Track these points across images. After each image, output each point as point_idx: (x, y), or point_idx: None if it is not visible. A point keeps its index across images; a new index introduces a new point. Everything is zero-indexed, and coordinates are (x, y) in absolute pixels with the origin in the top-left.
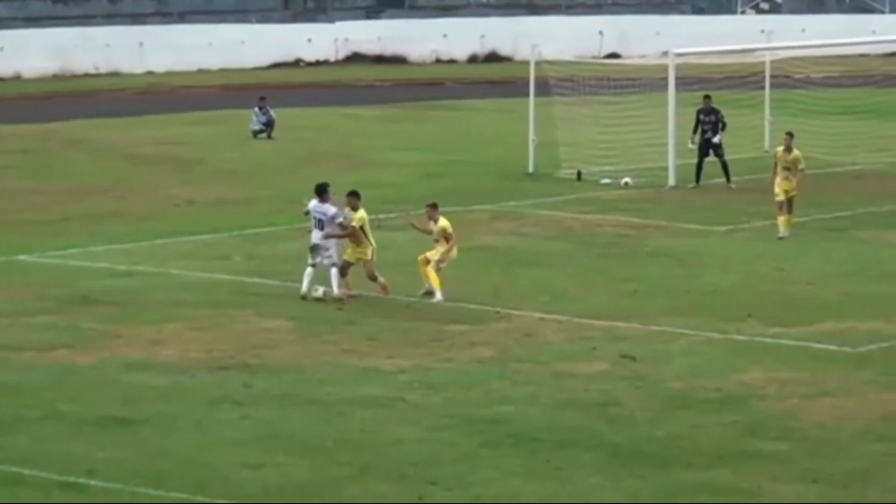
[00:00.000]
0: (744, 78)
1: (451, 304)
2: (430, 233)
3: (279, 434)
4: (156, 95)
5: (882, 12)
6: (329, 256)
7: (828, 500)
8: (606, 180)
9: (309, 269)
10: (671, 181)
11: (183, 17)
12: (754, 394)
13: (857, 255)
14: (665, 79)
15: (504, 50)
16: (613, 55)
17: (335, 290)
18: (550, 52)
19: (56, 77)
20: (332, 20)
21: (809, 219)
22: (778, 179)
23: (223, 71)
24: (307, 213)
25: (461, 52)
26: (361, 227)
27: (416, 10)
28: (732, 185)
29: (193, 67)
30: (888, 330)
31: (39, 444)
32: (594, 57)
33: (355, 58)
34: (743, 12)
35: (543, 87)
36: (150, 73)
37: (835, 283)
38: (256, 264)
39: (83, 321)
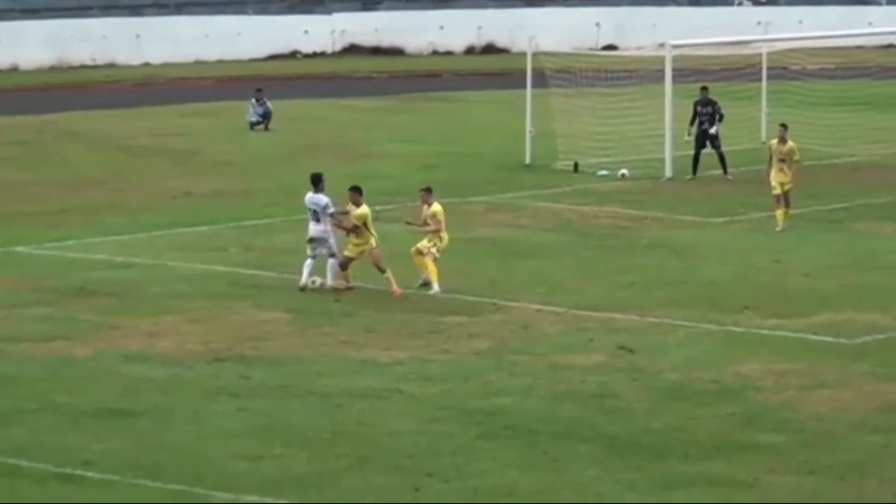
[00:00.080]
0: (740, 70)
1: (448, 296)
2: (426, 224)
3: (276, 426)
4: (153, 87)
5: (879, 4)
6: (329, 247)
7: (824, 491)
8: (603, 172)
9: (309, 261)
10: (668, 173)
11: (179, 8)
12: (751, 385)
13: (854, 246)
14: (662, 70)
15: (501, 41)
16: (610, 47)
17: (329, 281)
18: (547, 44)
19: (53, 69)
20: (328, 12)
21: (806, 210)
22: (773, 172)
23: (220, 62)
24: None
25: (458, 43)
26: (364, 223)
27: (413, 2)
28: (729, 177)
29: (190, 59)
30: (885, 321)
31: (36, 435)
32: (591, 48)
33: (352, 49)
34: (740, 4)
35: (540, 79)
36: (146, 64)
37: (832, 275)
38: (254, 256)
39: (80, 313)
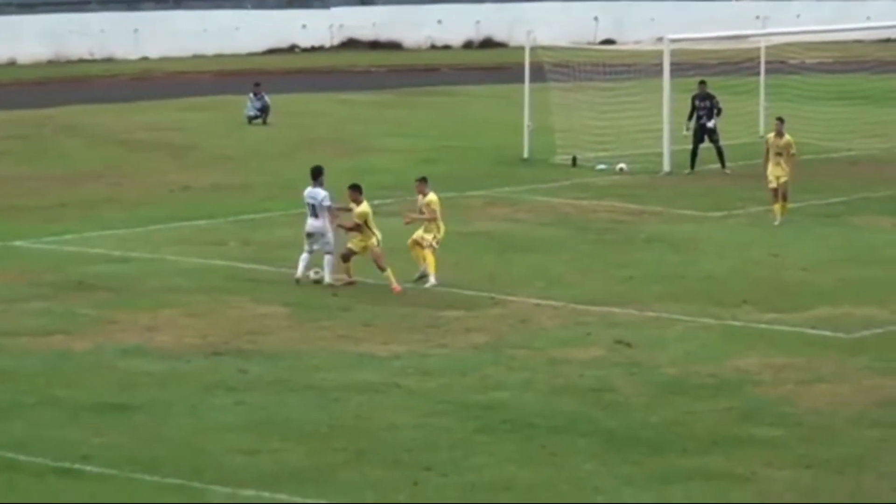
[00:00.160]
0: (739, 64)
1: (446, 290)
2: (421, 213)
3: (274, 420)
4: (151, 81)
5: None
6: (326, 243)
7: (822, 485)
8: (602, 166)
9: (305, 255)
10: (666, 167)
11: (178, 2)
12: (749, 380)
13: (852, 240)
14: (660, 65)
15: (499, 36)
16: (608, 41)
17: (326, 277)
18: (546, 38)
19: (51, 63)
20: (326, 6)
21: (804, 204)
22: (770, 165)
23: (218, 57)
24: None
25: (456, 37)
26: (365, 222)
27: None
28: (727, 171)
29: (188, 53)
30: (883, 316)
31: (35, 429)
32: (589, 43)
33: (350, 44)
34: None
35: (539, 73)
36: (144, 58)
37: (830, 269)
38: (252, 250)
39: (78, 307)
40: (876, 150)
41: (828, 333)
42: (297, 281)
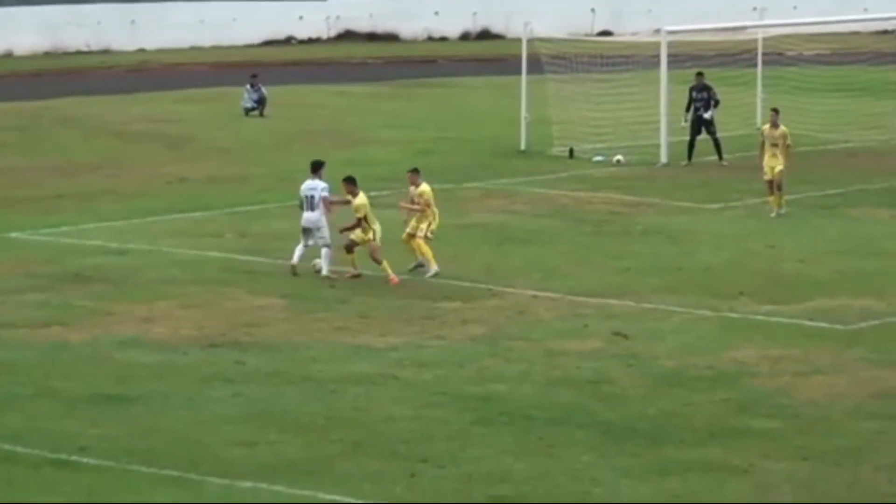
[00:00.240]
0: (736, 55)
1: (443, 282)
2: (415, 204)
3: (271, 411)
4: (147, 73)
5: None
6: (322, 237)
7: (819, 477)
8: (599, 158)
9: (301, 246)
10: (663, 159)
11: None
12: (746, 371)
13: (848, 232)
14: (657, 56)
15: (496, 27)
16: (606, 33)
17: (324, 270)
18: (543, 30)
19: (48, 54)
20: None
21: (801, 196)
22: (766, 157)
23: (215, 48)
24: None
25: (453, 29)
26: (365, 215)
27: None
28: (724, 163)
29: (185, 45)
30: (880, 307)
31: (32, 421)
32: (586, 34)
33: (347, 35)
34: None
35: (536, 65)
36: (141, 50)
37: (827, 261)
38: (248, 242)
39: (75, 299)
40: (873, 142)
41: (825, 325)
42: (294, 269)
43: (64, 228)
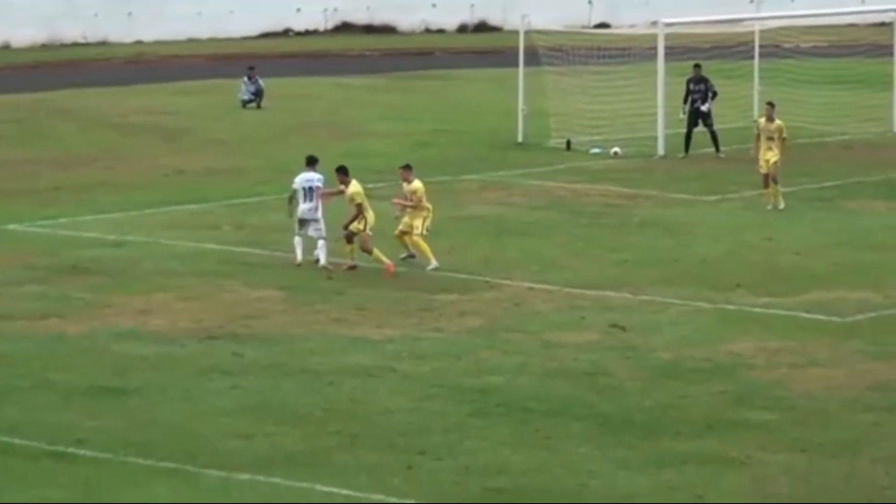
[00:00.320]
0: (733, 47)
1: (440, 274)
2: (408, 200)
3: (269, 403)
4: (144, 65)
5: None
6: (318, 229)
7: (816, 469)
8: (596, 150)
9: (298, 238)
10: (660, 151)
11: None
12: (743, 363)
13: (845, 224)
14: (654, 48)
15: (494, 19)
16: (603, 25)
17: (322, 260)
18: (540, 22)
19: (45, 46)
20: None
21: (798, 189)
22: (762, 150)
23: (212, 40)
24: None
25: (451, 21)
26: (360, 203)
27: None
28: (721, 155)
29: (182, 37)
30: (876, 299)
31: (29, 413)
32: (584, 27)
33: (344, 27)
34: None
35: (533, 57)
36: (138, 42)
37: (823, 253)
38: (245, 234)
39: (73, 291)
40: (870, 135)
41: (822, 317)
42: (299, 265)
43: (61, 220)
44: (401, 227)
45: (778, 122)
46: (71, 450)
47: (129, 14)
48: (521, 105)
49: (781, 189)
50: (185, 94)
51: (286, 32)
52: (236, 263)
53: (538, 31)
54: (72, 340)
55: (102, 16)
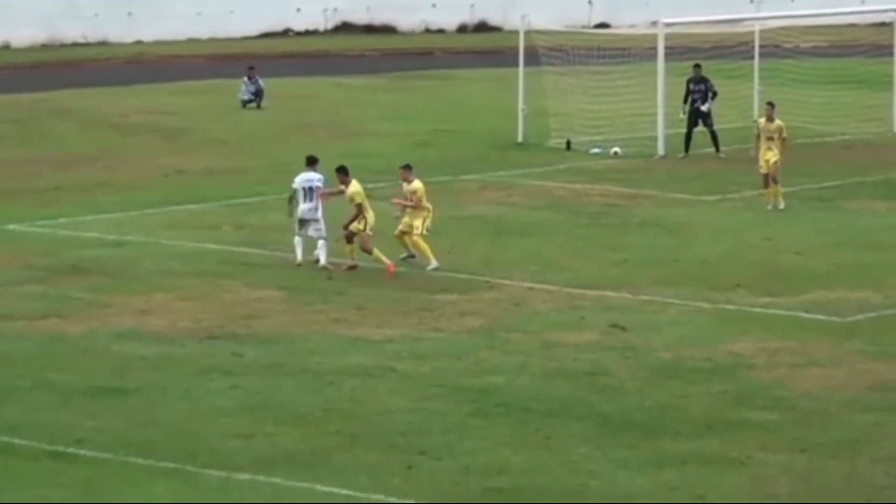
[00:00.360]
0: (733, 47)
1: (440, 274)
2: (408, 201)
3: (269, 403)
4: (144, 65)
5: None
6: (318, 229)
7: (816, 469)
8: (596, 150)
9: (298, 238)
10: (660, 151)
11: None
12: (743, 363)
13: (845, 224)
14: (654, 48)
15: (493, 19)
16: (603, 25)
17: (322, 260)
18: (540, 22)
19: (45, 46)
20: None
21: (798, 188)
22: (762, 150)
23: (212, 40)
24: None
25: (451, 21)
26: (360, 203)
27: None
28: (721, 155)
29: (182, 37)
30: (877, 300)
31: (29, 413)
32: (583, 26)
33: (344, 27)
34: None
35: (533, 57)
36: (138, 42)
37: (824, 253)
38: (245, 234)
39: (73, 291)
40: (870, 135)
41: (822, 317)
42: (299, 265)
43: (61, 220)
44: (401, 227)
45: (778, 122)
46: (71, 450)
47: (129, 14)
48: (521, 105)
49: (782, 189)
50: (185, 94)
51: (286, 32)
52: (236, 263)
53: (538, 31)
54: (72, 340)
55: (102, 16)
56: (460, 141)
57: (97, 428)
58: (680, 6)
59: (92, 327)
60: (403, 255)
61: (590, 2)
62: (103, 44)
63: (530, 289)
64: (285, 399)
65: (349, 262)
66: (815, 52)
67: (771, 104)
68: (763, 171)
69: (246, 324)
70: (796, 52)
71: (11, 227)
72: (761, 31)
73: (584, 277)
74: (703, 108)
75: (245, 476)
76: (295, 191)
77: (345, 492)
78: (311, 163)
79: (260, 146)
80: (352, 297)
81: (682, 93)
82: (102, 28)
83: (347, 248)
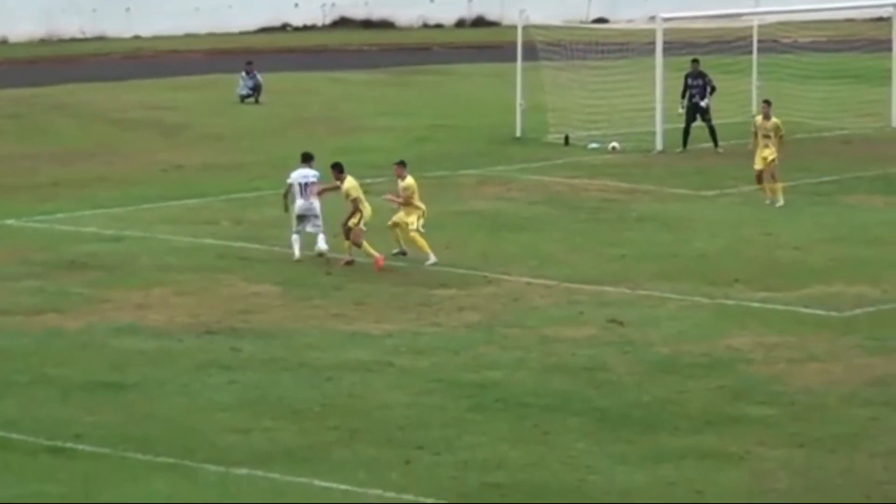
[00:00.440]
0: (731, 42)
1: (438, 269)
2: (399, 198)
3: (267, 398)
4: (142, 60)
5: None
6: (317, 225)
7: (815, 464)
8: (594, 145)
9: (295, 236)
10: (658, 146)
11: None
12: (741, 358)
13: (844, 219)
14: (653, 43)
15: (492, 14)
16: (601, 20)
17: (322, 246)
18: (538, 17)
19: (43, 41)
20: None
21: (797, 183)
22: (759, 147)
23: (210, 35)
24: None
25: (449, 16)
26: (356, 198)
27: None
28: (720, 150)
29: (180, 32)
30: (875, 294)
31: (27, 408)
32: (582, 21)
33: (342, 22)
34: None
35: (531, 52)
36: (136, 37)
37: (822, 248)
38: (243, 229)
39: (71, 286)
40: (868, 130)
41: (820, 312)
42: (298, 261)
43: (59, 215)
44: (394, 218)
45: (774, 119)
46: (69, 445)
47: (127, 9)
48: (519, 100)
49: (781, 185)
50: (183, 89)
51: (284, 27)
52: (234, 258)
53: (536, 26)
54: (70, 335)
55: (100, 11)
56: (458, 136)
57: (95, 423)
58: (678, 1)
59: (90, 322)
60: (395, 250)
61: None
62: (101, 39)
63: (528, 284)
64: (283, 394)
65: (346, 258)
66: (813, 47)
67: (767, 102)
68: (756, 167)
69: (244, 318)
70: (794, 47)
71: (9, 222)
72: (760, 26)
73: (583, 272)
74: (703, 103)
75: (243, 471)
76: (290, 186)
77: (343, 487)
78: (307, 159)
79: (258, 141)
80: (350, 292)
81: (681, 87)
82: (100, 23)
83: (345, 243)
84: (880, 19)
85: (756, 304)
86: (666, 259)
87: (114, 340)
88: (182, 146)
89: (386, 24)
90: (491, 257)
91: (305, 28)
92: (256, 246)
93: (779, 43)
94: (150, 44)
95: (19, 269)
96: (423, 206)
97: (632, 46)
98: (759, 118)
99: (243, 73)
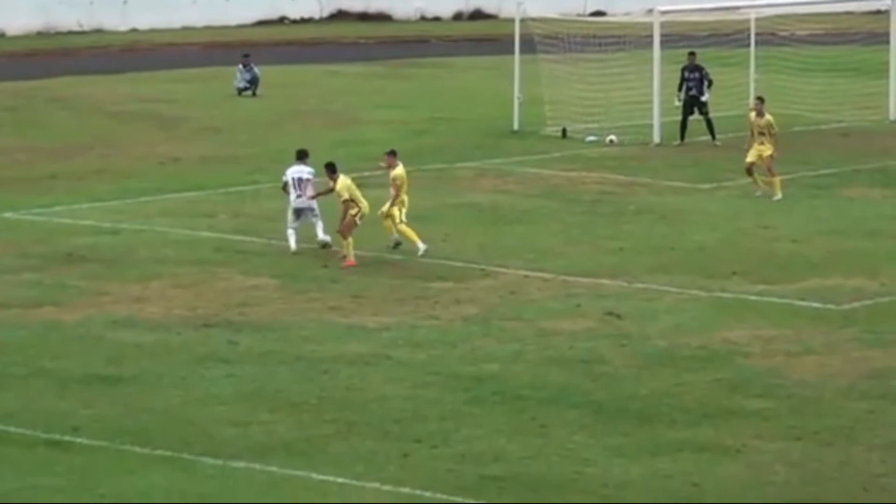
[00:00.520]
0: (729, 35)
1: (435, 262)
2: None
3: (264, 391)
4: (140, 53)
5: None
6: (316, 216)
7: (812, 457)
8: (591, 138)
9: (291, 230)
10: (656, 139)
11: None
12: (739, 351)
13: (842, 212)
14: (650, 36)
15: (489, 7)
16: (598, 13)
17: (321, 235)
18: (535, 10)
19: (40, 34)
20: None
21: (795, 176)
22: (754, 144)
23: (207, 28)
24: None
25: (446, 9)
26: (350, 195)
27: None
28: (717, 143)
29: (177, 25)
30: (872, 287)
31: (25, 401)
32: (579, 14)
33: (340, 15)
34: None
35: (528, 45)
36: (134, 30)
37: (819, 241)
38: (241, 222)
39: (68, 278)
40: (867, 122)
41: (817, 305)
42: (295, 253)
43: (57, 208)
44: (383, 208)
45: (768, 117)
46: (67, 438)
47: (125, 2)
48: (516, 93)
49: (779, 179)
50: (180, 82)
51: (281, 20)
52: (231, 251)
53: (534, 19)
54: (67, 328)
55: (97, 3)
56: (456, 129)
57: (93, 416)
58: None
59: (87, 315)
60: (391, 244)
61: None
62: (98, 31)
63: (526, 277)
64: (281, 387)
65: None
66: (811, 40)
67: (760, 99)
68: (750, 160)
69: (241, 312)
70: (792, 40)
71: (7, 215)
72: (757, 19)
73: (580, 265)
74: (703, 97)
75: (241, 464)
76: (286, 182)
77: (340, 479)
78: (302, 157)
79: (255, 134)
80: (347, 285)
81: (678, 80)
82: (98, 16)
83: (343, 243)
84: (878, 12)
85: (753, 297)
86: (663, 252)
87: (111, 333)
88: (179, 139)
89: (383, 17)
90: (488, 250)
91: (302, 21)
92: (254, 239)
93: (776, 36)
94: (147, 36)
95: (17, 262)
96: (405, 197)
97: (629, 39)
98: (753, 116)
99: (240, 66)
